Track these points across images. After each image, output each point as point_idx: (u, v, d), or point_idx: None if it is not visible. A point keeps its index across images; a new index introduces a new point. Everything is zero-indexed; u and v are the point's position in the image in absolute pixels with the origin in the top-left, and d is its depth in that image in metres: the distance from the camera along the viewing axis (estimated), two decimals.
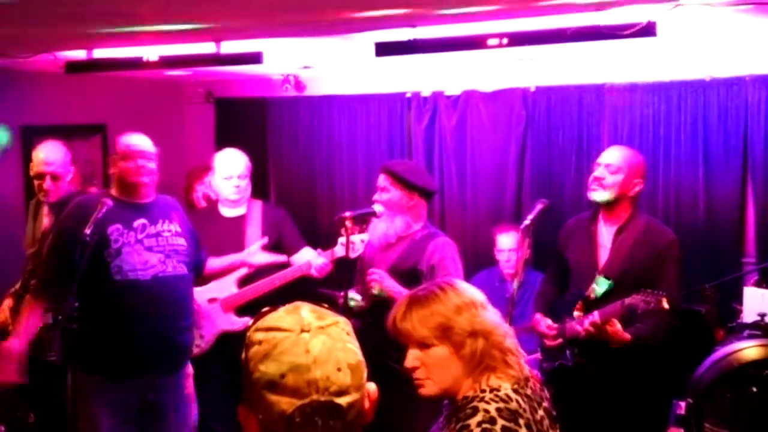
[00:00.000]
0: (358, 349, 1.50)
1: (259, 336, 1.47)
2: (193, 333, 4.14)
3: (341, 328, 1.50)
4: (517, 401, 2.16)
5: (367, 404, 1.52)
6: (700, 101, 4.93)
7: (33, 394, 4.27)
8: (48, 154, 4.46)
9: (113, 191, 3.88)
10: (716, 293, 4.45)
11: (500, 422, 2.08)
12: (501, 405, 2.13)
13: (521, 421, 2.11)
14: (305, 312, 1.50)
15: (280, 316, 1.50)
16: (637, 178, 3.97)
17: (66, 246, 3.67)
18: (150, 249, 3.80)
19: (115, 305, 3.69)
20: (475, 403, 2.16)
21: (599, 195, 3.98)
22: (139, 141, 3.93)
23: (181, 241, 3.94)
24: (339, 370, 1.43)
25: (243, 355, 1.49)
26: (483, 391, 2.19)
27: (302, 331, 1.45)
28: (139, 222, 3.81)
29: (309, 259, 4.63)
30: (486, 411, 2.12)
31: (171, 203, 4.08)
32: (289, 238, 4.80)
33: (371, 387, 1.53)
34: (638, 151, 4.93)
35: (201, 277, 4.37)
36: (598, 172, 3.98)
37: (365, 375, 1.50)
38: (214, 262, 4.46)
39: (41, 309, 3.83)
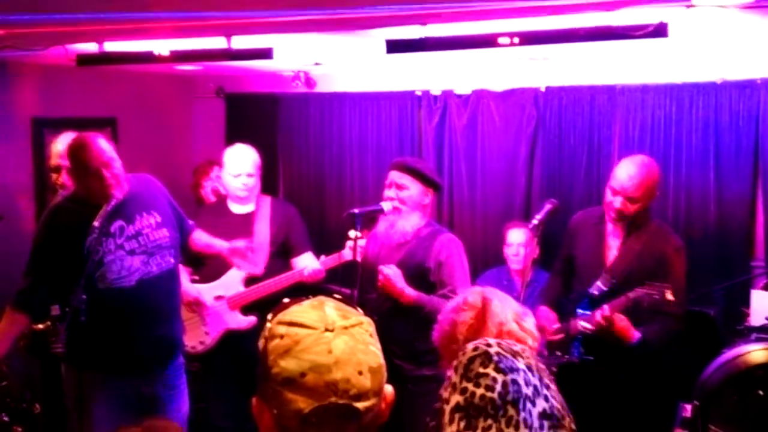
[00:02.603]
0: (380, 352, 1.47)
1: (281, 330, 1.44)
2: (182, 323, 4.12)
3: (365, 329, 1.47)
4: (524, 350, 2.21)
5: (383, 406, 1.49)
6: (712, 103, 4.90)
7: (39, 385, 4.29)
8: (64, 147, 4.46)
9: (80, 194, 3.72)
10: (724, 296, 4.44)
11: (496, 348, 2.14)
12: (504, 343, 2.20)
13: (521, 360, 2.15)
14: (330, 309, 1.47)
15: (304, 311, 1.47)
16: (656, 192, 3.97)
17: (50, 256, 3.67)
18: (132, 252, 3.72)
19: (102, 311, 3.66)
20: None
21: (623, 223, 3.97)
22: (104, 148, 3.66)
23: (164, 232, 3.85)
24: (360, 373, 1.40)
25: (261, 346, 1.47)
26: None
27: (326, 330, 1.42)
28: (116, 225, 3.70)
29: (307, 264, 4.65)
30: (485, 339, 2.22)
31: (144, 187, 3.92)
32: (296, 238, 4.79)
33: (388, 389, 1.51)
34: (649, 153, 4.95)
35: (186, 249, 4.23)
36: (618, 203, 3.92)
37: (385, 378, 1.47)
38: (201, 239, 4.28)
39: (23, 320, 3.77)
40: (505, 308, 2.50)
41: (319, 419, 1.38)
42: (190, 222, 4.27)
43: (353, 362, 1.40)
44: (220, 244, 4.33)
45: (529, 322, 2.52)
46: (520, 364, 2.14)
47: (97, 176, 3.57)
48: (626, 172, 3.92)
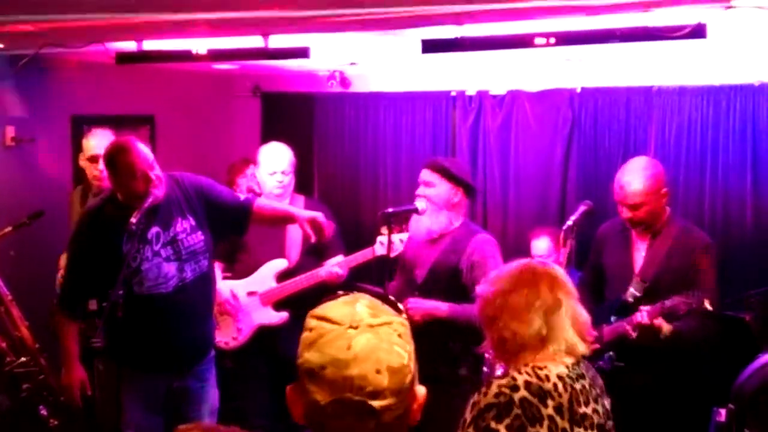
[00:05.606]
0: (405, 353, 1.48)
1: (311, 323, 1.49)
2: (214, 320, 4.17)
3: (393, 329, 1.48)
4: (556, 384, 2.14)
5: (414, 406, 1.51)
6: (750, 106, 4.85)
7: None
8: (99, 141, 4.49)
9: (120, 198, 3.73)
10: (761, 300, 4.39)
11: (522, 392, 2.08)
12: (533, 380, 2.13)
13: (549, 402, 2.09)
14: (361, 307, 1.50)
15: (335, 306, 1.51)
16: (662, 189, 3.94)
17: (89, 258, 3.73)
18: (168, 259, 3.75)
19: (139, 313, 3.68)
20: (511, 372, 2.17)
21: (641, 228, 3.97)
22: (146, 152, 3.69)
23: (197, 236, 3.85)
24: (378, 371, 1.42)
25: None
26: (526, 365, 2.19)
27: (350, 326, 1.45)
28: (152, 231, 3.71)
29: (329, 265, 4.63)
30: (513, 378, 2.13)
31: (179, 188, 3.88)
32: (327, 240, 4.78)
33: (420, 390, 1.53)
34: (686, 156, 4.91)
35: (253, 220, 4.09)
36: (626, 213, 3.95)
37: (409, 380, 1.47)
38: (266, 207, 4.19)
39: (76, 327, 3.88)
40: (570, 310, 2.30)
41: (336, 413, 1.42)
42: (245, 197, 4.24)
43: (372, 360, 1.43)
44: (290, 209, 4.26)
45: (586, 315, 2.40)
46: (548, 409, 2.09)
47: (144, 179, 3.61)
48: (621, 183, 3.97)
